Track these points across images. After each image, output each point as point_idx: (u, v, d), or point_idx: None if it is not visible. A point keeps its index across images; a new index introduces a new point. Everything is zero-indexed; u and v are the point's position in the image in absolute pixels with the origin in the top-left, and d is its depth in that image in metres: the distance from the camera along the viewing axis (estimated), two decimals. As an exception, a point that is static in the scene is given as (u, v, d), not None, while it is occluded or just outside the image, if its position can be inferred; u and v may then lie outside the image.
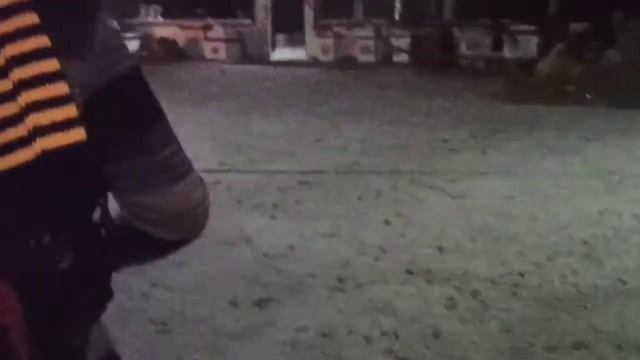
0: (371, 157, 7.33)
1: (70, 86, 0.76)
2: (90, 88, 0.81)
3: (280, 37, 25.14)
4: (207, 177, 4.38)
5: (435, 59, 16.71)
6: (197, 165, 4.40)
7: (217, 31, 20.44)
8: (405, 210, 5.49)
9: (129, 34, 21.81)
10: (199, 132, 8.79)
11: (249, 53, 20.88)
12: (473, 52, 16.83)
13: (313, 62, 18.91)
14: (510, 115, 9.75)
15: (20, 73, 0.73)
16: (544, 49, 15.12)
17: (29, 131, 0.73)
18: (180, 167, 0.95)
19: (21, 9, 0.75)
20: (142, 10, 24.67)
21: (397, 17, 24.08)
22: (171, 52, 20.66)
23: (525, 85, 12.52)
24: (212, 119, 9.84)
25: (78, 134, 0.76)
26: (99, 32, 0.83)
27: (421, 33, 17.58)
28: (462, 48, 17.15)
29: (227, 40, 20.28)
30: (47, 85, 0.74)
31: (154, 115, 0.92)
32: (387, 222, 5.19)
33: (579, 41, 14.58)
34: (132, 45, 21.51)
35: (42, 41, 0.74)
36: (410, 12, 18.89)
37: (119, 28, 0.89)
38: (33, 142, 0.73)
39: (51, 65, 0.75)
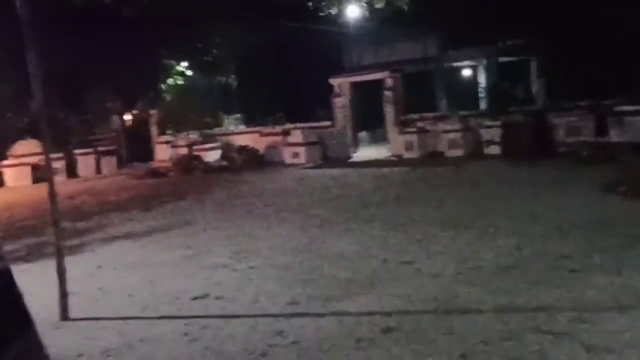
0: (472, 285, 5.92)
1: None
2: None
3: (363, 134, 24.42)
4: (271, 325, 4.04)
5: (531, 149, 15.25)
6: (263, 306, 5.02)
7: (296, 136, 19.84)
8: (526, 373, 4.05)
9: (209, 145, 21.68)
10: (270, 259, 7.71)
11: (330, 155, 20.14)
12: (573, 139, 15.24)
13: (398, 161, 17.83)
14: (638, 216, 8.11)
15: None
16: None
17: None
18: None
19: None
20: (226, 121, 24.70)
21: (482, 106, 22.81)
22: (251, 160, 20.18)
23: (644, 174, 10.82)
24: (287, 239, 8.74)
25: None
26: None
27: (513, 121, 16.23)
28: (560, 135, 15.62)
29: (306, 144, 19.60)
30: None
31: (16, 331, 0.81)
32: (504, 397, 3.76)
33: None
34: (214, 154, 21.29)
35: None
36: (498, 101, 17.63)
37: None
38: None
39: None
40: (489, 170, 14.08)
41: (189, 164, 20.01)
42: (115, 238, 10.11)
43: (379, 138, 22.82)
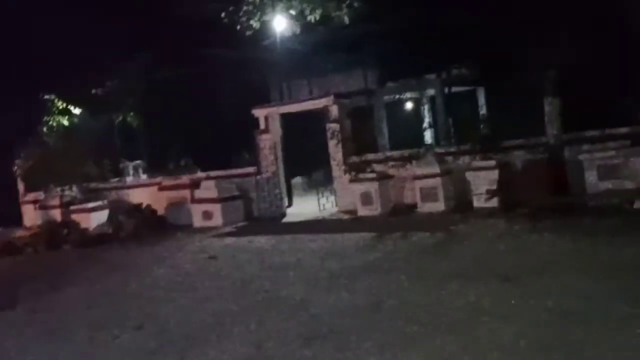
0: None
1: None
2: None
3: (297, 181, 19.20)
4: None
5: (546, 200, 10.39)
6: None
7: (208, 189, 14.38)
8: None
9: (91, 204, 15.90)
10: None
11: (256, 214, 14.79)
12: (611, 183, 10.45)
13: (353, 221, 12.61)
14: None
15: None
16: None
17: None
18: None
19: None
20: (124, 169, 18.83)
21: (428, 141, 18.74)
22: (146, 224, 14.57)
23: None
24: None
25: None
26: None
27: (515, 161, 11.41)
28: (590, 178, 10.80)
29: (222, 200, 14.18)
30: None
31: None
32: None
33: None
34: (98, 217, 15.53)
35: None
36: (490, 132, 12.70)
37: None
38: None
39: None
40: (503, 239, 9.00)
41: (56, 234, 14.24)
42: None
43: (317, 184, 17.70)
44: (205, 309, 7.09)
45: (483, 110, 20.88)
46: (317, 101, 14.46)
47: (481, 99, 22.20)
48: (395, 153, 13.56)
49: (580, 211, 9.98)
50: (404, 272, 7.64)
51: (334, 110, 13.94)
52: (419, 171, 12.32)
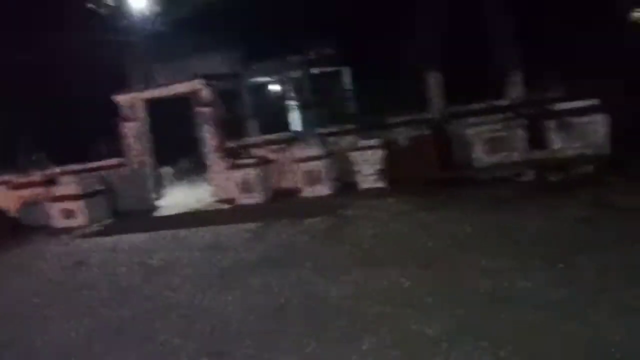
0: None
1: None
2: None
3: (166, 170, 17.95)
4: None
5: (434, 177, 10.16)
6: None
7: (68, 185, 12.89)
8: None
9: None
10: None
11: (124, 208, 13.48)
12: (499, 156, 10.32)
13: (232, 211, 11.71)
14: None
15: None
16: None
17: None
18: None
19: None
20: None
21: (295, 124, 18.39)
22: (-3, 228, 12.87)
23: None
24: None
25: None
26: None
27: (400, 139, 11.06)
28: (476, 152, 10.63)
29: (85, 197, 12.75)
30: None
31: None
32: None
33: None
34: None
35: None
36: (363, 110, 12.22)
37: None
38: None
39: None
40: (399, 220, 8.55)
41: None
42: None
43: (189, 173, 16.66)
44: (76, 326, 5.99)
45: (351, 90, 20.74)
46: (186, 84, 13.34)
47: (348, 79, 22.08)
48: (275, 136, 12.79)
49: (470, 186, 9.78)
50: (302, 264, 6.94)
51: (206, 94, 12.92)
52: (301, 154, 11.64)
